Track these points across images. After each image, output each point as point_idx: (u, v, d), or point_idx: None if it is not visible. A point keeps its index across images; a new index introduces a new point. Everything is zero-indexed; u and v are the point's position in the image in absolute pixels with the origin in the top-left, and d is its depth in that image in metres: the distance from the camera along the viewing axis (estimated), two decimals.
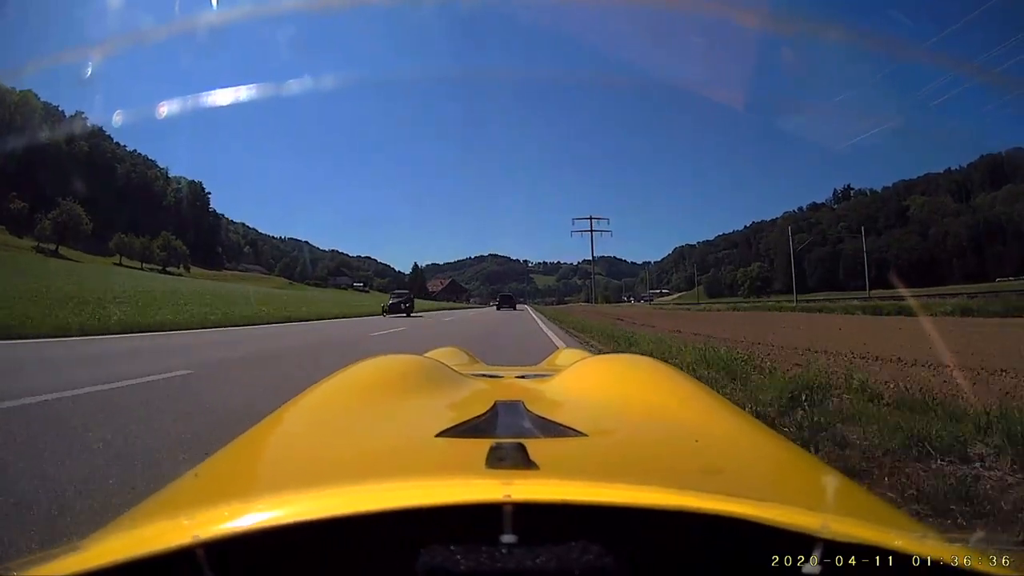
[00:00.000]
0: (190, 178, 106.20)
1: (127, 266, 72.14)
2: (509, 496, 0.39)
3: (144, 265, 76.65)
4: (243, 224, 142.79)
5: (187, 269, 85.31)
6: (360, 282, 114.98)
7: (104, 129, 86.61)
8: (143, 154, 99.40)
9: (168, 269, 79.72)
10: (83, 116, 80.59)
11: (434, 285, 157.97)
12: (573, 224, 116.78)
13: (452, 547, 0.38)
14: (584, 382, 1.09)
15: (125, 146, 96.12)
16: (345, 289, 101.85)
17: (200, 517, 0.42)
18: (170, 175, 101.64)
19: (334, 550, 0.41)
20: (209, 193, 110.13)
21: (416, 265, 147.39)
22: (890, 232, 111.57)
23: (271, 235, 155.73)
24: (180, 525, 0.42)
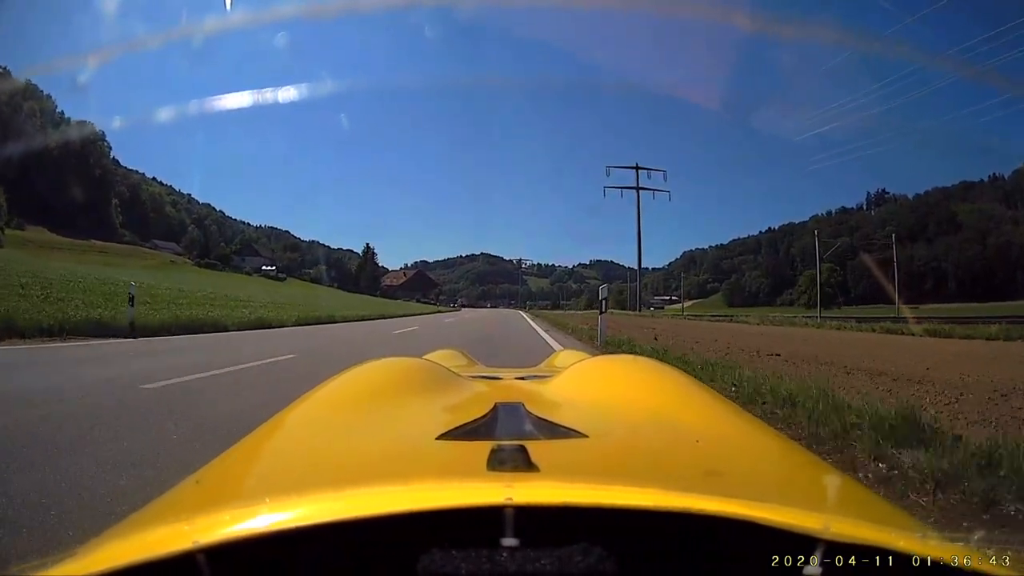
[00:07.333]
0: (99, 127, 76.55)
1: None
2: (510, 499, 0.39)
3: None
4: (208, 205, 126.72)
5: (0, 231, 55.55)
6: (272, 267, 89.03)
7: None
8: (34, 84, 71.74)
9: None
10: None
11: (393, 278, 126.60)
12: (608, 175, 65.18)
13: (453, 551, 0.37)
14: (584, 383, 1.07)
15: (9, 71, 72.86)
16: (249, 274, 78.80)
17: (200, 522, 0.42)
18: (67, 116, 74.02)
19: (335, 555, 0.40)
20: (106, 144, 79.95)
21: (368, 247, 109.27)
22: (942, 240, 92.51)
23: (247, 221, 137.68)
24: (180, 530, 0.41)
